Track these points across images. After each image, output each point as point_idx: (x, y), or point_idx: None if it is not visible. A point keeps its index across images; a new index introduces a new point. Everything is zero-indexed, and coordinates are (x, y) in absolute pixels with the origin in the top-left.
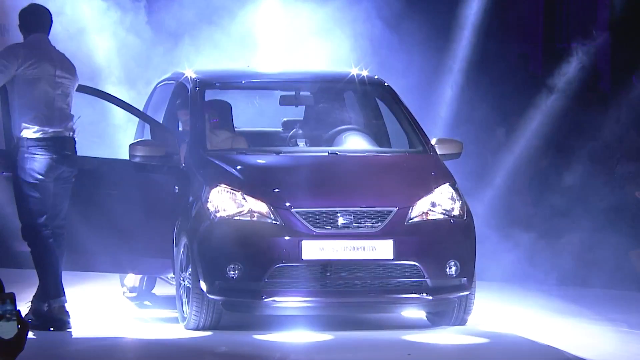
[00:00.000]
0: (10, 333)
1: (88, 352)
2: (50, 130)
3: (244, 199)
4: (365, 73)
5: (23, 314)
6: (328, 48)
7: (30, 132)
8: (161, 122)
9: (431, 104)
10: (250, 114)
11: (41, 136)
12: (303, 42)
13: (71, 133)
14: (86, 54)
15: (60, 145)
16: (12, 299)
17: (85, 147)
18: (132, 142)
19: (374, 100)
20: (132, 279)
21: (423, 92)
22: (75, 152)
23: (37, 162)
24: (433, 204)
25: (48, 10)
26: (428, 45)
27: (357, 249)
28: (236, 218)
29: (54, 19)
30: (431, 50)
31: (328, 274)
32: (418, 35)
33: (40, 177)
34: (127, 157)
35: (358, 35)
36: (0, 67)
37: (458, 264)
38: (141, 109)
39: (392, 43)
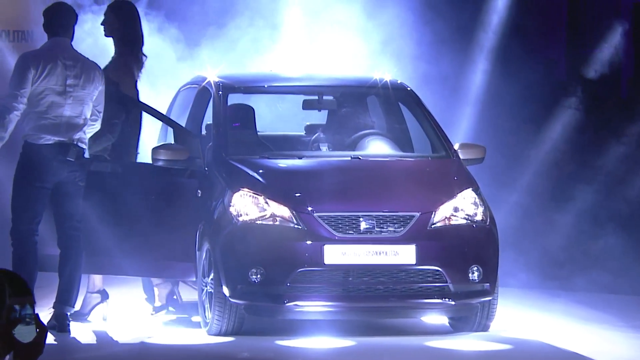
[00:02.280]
0: (29, 337)
1: (110, 357)
2: (54, 138)
3: (267, 203)
4: (388, 78)
5: (46, 320)
6: (351, 52)
7: (33, 138)
8: (184, 126)
9: (454, 108)
10: (273, 118)
11: (43, 143)
12: (326, 45)
13: (77, 142)
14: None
15: (62, 152)
16: (31, 302)
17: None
18: (155, 145)
19: (396, 105)
20: (161, 298)
21: (446, 97)
22: (82, 158)
23: (36, 169)
24: (456, 209)
25: (71, 9)
26: (451, 49)
27: (380, 253)
28: (258, 222)
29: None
30: (454, 54)
31: (350, 279)
32: (441, 41)
33: (37, 184)
34: (150, 161)
35: (381, 40)
36: (19, 99)
37: (481, 269)
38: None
39: (415, 48)
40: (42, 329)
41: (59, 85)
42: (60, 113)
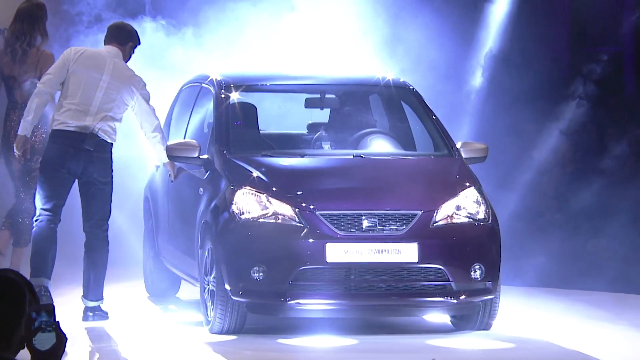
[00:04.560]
0: (47, 344)
1: (111, 356)
2: (75, 123)
3: (269, 201)
4: (390, 76)
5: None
6: (353, 50)
7: (55, 124)
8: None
9: (457, 107)
10: (275, 116)
11: (62, 128)
12: (328, 44)
13: (98, 131)
14: None
15: (79, 140)
16: (49, 310)
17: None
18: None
19: (399, 104)
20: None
21: (449, 94)
22: (103, 151)
23: (53, 152)
24: (458, 208)
25: (133, 31)
26: (453, 46)
27: (382, 252)
28: (261, 220)
29: None
30: (456, 53)
31: (352, 277)
32: (443, 38)
33: (54, 167)
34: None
35: (382, 38)
36: (51, 79)
37: (483, 268)
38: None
39: (418, 46)
40: (61, 338)
41: (93, 78)
42: (88, 102)
